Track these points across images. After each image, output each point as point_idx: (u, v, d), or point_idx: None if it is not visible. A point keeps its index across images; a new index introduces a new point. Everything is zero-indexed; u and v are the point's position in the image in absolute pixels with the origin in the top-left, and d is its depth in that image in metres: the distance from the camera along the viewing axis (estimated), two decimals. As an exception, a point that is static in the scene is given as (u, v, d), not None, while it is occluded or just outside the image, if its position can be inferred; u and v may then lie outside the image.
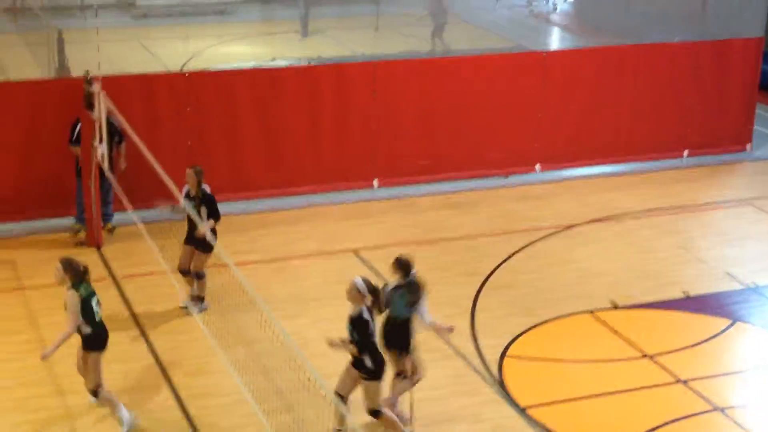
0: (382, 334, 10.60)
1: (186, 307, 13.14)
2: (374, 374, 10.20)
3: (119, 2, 29.79)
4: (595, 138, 18.77)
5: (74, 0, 28.97)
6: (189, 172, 12.89)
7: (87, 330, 10.47)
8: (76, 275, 10.41)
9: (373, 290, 10.21)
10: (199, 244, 12.99)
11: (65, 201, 15.67)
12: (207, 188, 13.01)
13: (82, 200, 15.17)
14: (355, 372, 10.29)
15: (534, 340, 12.92)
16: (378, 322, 10.39)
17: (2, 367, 12.08)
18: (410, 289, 10.68)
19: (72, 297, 10.34)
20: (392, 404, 10.83)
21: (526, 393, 11.77)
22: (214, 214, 12.99)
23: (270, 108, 16.94)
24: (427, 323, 10.83)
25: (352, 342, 10.16)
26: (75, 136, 15.11)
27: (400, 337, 10.71)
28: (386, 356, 10.52)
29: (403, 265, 10.77)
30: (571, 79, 18.45)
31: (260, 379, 11.65)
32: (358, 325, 10.12)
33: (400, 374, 10.89)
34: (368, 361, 10.13)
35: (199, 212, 12.83)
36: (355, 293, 10.14)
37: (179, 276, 13.18)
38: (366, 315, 10.10)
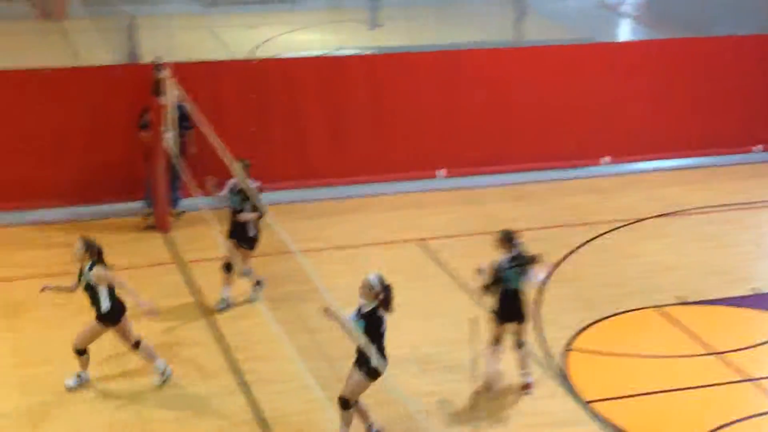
0: (502, 307, 11.23)
1: (222, 308, 13.17)
2: (373, 373, 10.07)
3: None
4: (663, 131, 18.57)
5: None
6: (236, 165, 12.82)
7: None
8: (96, 254, 10.96)
9: (385, 287, 10.15)
10: (242, 240, 12.86)
11: (135, 185, 15.86)
12: (254, 183, 12.90)
13: (150, 185, 15.33)
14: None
15: (598, 333, 12.82)
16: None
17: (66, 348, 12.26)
18: (521, 261, 11.18)
19: (102, 269, 10.90)
20: (528, 374, 11.48)
21: (590, 387, 11.69)
22: (257, 209, 12.84)
23: (335, 96, 16.97)
24: (536, 282, 11.87)
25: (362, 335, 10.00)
26: (143, 121, 15.27)
27: (519, 307, 11.31)
28: (505, 328, 11.29)
29: (507, 238, 11.25)
30: (639, 71, 18.26)
31: (323, 366, 11.71)
32: (371, 322, 10.05)
33: (520, 344, 11.41)
34: (373, 359, 10.00)
35: (243, 206, 12.80)
36: (367, 289, 10.07)
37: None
38: (380, 312, 10.04)
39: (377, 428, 10.45)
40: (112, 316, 11.09)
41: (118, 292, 11.08)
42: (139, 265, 14.34)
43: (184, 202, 15.71)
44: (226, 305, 13.13)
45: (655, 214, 16.50)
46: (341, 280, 14.01)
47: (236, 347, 12.33)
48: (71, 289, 11.20)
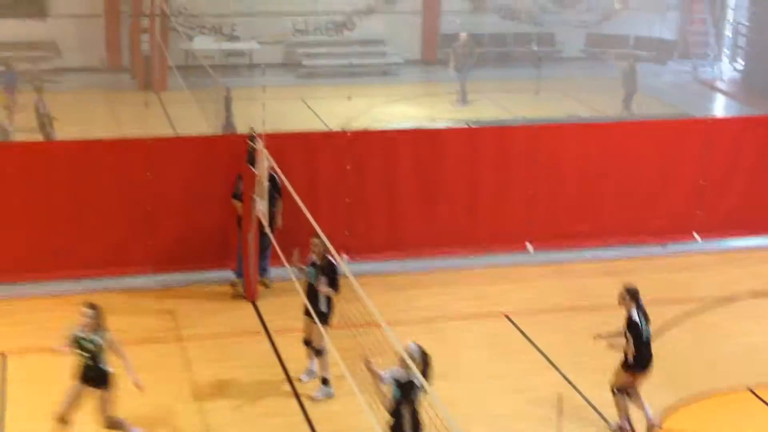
0: (642, 356, 11.85)
1: (301, 380, 13.16)
2: None
3: (286, 62, 30.65)
4: (759, 208, 18.23)
5: (243, 59, 29.99)
6: (315, 241, 12.68)
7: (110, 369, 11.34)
8: (103, 321, 11.36)
9: (425, 359, 10.14)
10: (317, 315, 12.55)
11: (226, 254, 16.06)
12: (332, 259, 12.78)
13: (242, 254, 15.51)
14: None
15: (689, 414, 12.53)
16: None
17: (159, 415, 12.36)
18: (646, 313, 11.96)
19: (111, 335, 11.34)
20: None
21: (678, 469, 11.42)
22: (333, 285, 12.69)
23: (429, 168, 17.03)
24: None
25: (393, 401, 10.12)
26: (237, 190, 15.50)
27: (651, 356, 12.01)
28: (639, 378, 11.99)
29: (633, 293, 11.95)
30: (736, 147, 18.00)
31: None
32: (406, 390, 10.05)
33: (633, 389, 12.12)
34: (406, 426, 10.01)
35: (318, 280, 12.70)
36: (405, 360, 9.97)
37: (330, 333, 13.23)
38: (417, 381, 9.95)
39: None
40: (106, 379, 11.28)
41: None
42: (226, 334, 14.46)
43: (274, 272, 15.84)
44: (311, 377, 13.14)
45: (751, 293, 16.15)
46: (428, 352, 13.94)
47: (320, 420, 12.31)
48: (55, 350, 11.39)
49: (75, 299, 15.21)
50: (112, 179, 15.92)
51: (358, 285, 11.56)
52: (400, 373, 10.12)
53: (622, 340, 11.87)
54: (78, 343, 11.21)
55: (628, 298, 11.90)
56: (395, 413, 10.13)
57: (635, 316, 11.79)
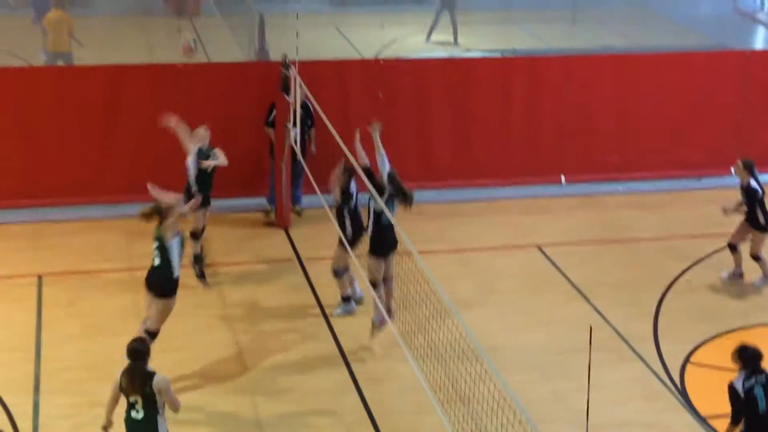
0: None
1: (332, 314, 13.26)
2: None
3: (320, -11, 30.40)
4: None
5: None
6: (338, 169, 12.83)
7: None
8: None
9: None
10: (343, 237, 12.77)
11: (259, 181, 16.08)
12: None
13: (274, 181, 15.53)
14: None
15: (719, 348, 12.50)
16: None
17: (193, 340, 12.50)
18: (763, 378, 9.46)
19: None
20: None
21: (708, 402, 11.42)
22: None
23: (461, 98, 16.94)
24: None
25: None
26: (270, 118, 15.48)
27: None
28: None
29: (749, 165, 13.30)
30: (774, 80, 17.78)
31: (437, 368, 11.70)
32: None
33: None
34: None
35: (343, 212, 12.83)
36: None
37: (361, 262, 13.27)
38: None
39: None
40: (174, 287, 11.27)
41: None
42: (259, 261, 14.55)
43: (306, 200, 15.87)
44: (345, 310, 13.23)
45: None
46: (459, 282, 14.02)
47: (350, 345, 12.41)
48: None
49: (106, 224, 15.43)
50: (143, 105, 15.91)
51: (389, 213, 11.59)
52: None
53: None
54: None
55: (743, 168, 13.64)
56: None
57: (753, 184, 13.53)
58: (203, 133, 13.56)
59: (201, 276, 13.64)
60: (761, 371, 9.35)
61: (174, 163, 16.07)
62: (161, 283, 11.21)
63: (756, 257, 13.98)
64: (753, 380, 9.30)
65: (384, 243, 12.15)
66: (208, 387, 11.48)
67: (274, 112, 15.37)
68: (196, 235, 13.66)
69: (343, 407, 11.24)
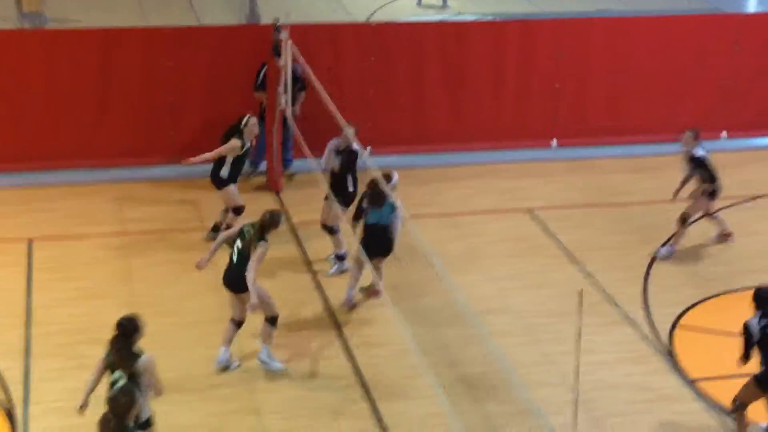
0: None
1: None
2: None
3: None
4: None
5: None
6: (347, 130, 12.91)
7: None
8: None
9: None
10: (340, 196, 12.96)
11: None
12: (360, 147, 13.03)
13: (263, 145, 15.48)
14: None
15: (708, 311, 12.57)
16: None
17: (182, 306, 12.52)
18: None
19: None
20: None
21: (696, 365, 11.50)
22: (352, 171, 13.11)
23: (454, 62, 16.87)
24: None
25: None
26: (260, 81, 15.43)
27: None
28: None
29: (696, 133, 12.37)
30: (765, 44, 17.72)
31: (427, 333, 11.74)
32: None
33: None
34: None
35: (345, 172, 13.01)
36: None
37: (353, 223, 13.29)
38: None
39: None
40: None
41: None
42: (250, 224, 14.54)
43: (297, 164, 15.85)
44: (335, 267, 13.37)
45: (775, 192, 16.07)
46: (450, 246, 14.03)
47: (341, 309, 12.44)
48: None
49: (96, 188, 15.41)
50: (134, 69, 15.86)
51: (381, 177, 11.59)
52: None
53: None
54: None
55: (693, 138, 13.71)
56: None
57: (700, 153, 13.53)
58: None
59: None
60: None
61: (163, 127, 16.11)
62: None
63: (683, 220, 13.89)
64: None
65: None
66: (199, 350, 11.50)
67: (263, 75, 15.31)
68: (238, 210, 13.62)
69: (334, 371, 11.27)
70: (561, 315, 12.25)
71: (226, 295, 11.19)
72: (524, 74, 17.11)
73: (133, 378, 8.77)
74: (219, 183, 13.57)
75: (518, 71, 17.09)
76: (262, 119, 15.45)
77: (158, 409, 9.21)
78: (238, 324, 11.18)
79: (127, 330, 8.94)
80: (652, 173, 16.60)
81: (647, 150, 17.46)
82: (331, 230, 13.22)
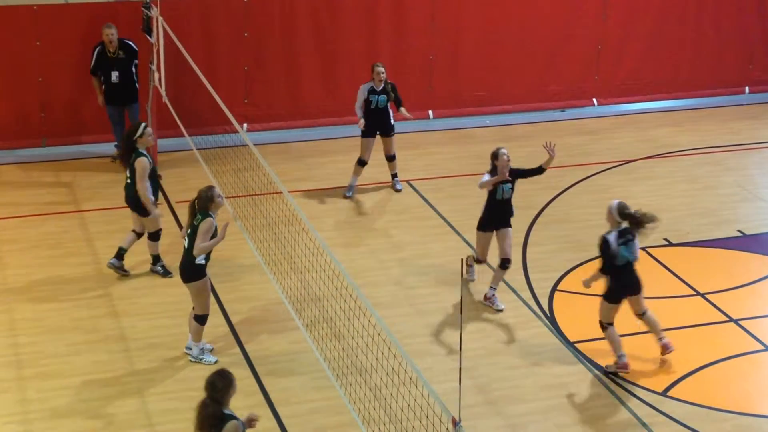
0: (618, 285, 10.97)
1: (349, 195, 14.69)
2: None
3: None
4: (655, 73, 18.47)
5: None
6: (379, 69, 14.43)
7: None
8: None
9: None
10: (383, 130, 14.69)
11: (122, 125, 15.75)
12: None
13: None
14: None
15: (585, 275, 12.79)
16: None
17: (64, 288, 12.29)
18: (628, 235, 10.98)
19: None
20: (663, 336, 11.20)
21: (575, 327, 11.76)
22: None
23: (327, 36, 16.85)
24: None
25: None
26: (93, 64, 15.16)
27: (635, 280, 11.11)
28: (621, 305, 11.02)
29: (623, 211, 11.08)
30: (633, 11, 18.11)
31: (311, 307, 11.75)
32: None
33: (643, 313, 11.20)
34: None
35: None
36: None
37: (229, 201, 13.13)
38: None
39: None
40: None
41: None
42: (124, 205, 14.29)
43: (172, 142, 15.60)
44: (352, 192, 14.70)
45: (645, 156, 16.47)
46: (329, 220, 14.05)
47: (223, 287, 12.34)
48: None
49: None
50: (1, 47, 15.47)
51: (258, 153, 11.52)
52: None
53: None
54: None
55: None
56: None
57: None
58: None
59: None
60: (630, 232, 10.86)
61: (35, 108, 15.73)
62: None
63: None
64: (624, 238, 10.79)
65: None
66: (79, 338, 11.30)
67: (95, 58, 15.06)
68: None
69: (217, 346, 11.21)
70: (443, 285, 12.38)
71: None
72: (398, 47, 17.17)
73: None
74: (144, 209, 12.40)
75: (392, 44, 17.15)
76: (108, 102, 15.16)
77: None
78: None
79: (216, 389, 8.06)
80: (526, 141, 16.83)
81: (520, 118, 17.73)
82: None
